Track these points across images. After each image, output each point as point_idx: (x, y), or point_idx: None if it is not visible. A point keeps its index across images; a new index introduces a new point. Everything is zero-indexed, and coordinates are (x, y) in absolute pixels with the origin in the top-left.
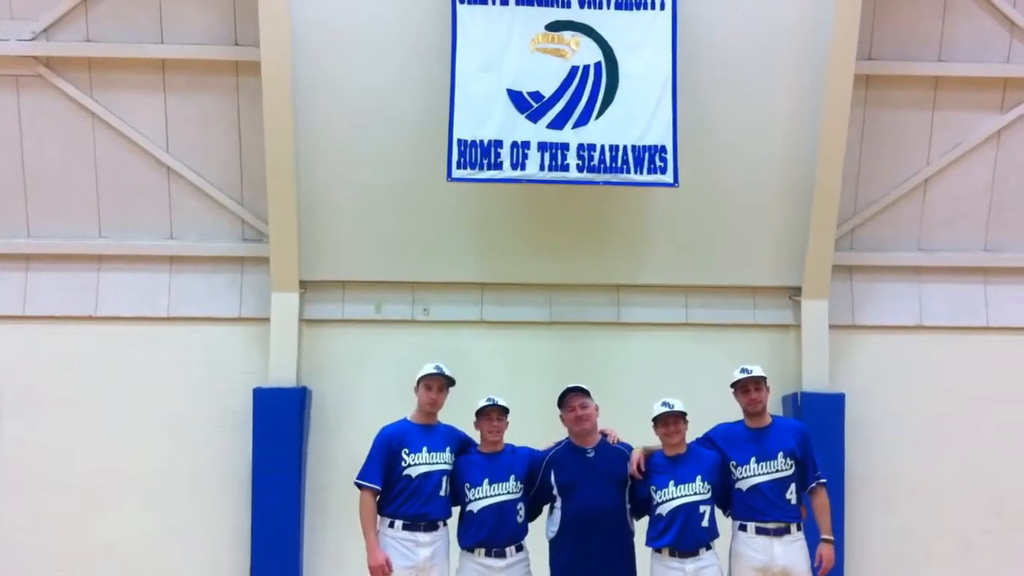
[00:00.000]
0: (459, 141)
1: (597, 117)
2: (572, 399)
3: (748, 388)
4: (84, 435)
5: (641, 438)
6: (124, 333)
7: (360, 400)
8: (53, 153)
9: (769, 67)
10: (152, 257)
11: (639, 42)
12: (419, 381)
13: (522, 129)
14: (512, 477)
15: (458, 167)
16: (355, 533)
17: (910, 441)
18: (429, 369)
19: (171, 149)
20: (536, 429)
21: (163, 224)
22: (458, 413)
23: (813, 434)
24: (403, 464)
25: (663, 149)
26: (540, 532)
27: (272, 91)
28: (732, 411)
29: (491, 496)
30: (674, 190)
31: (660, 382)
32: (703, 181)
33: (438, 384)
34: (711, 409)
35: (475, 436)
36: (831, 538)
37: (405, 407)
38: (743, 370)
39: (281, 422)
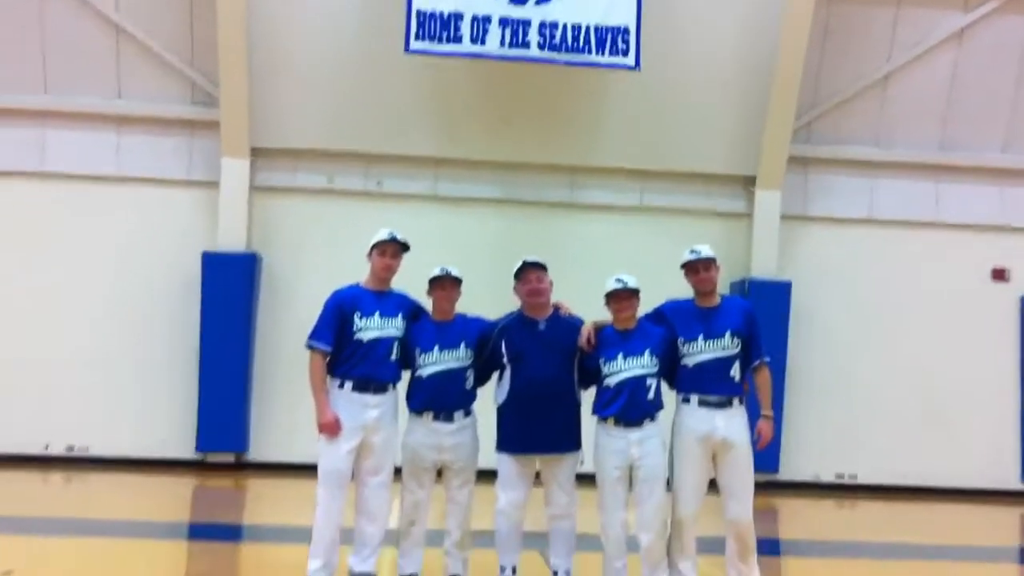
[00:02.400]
0: (418, 12)
1: None
2: (529, 272)
3: (697, 269)
4: (29, 290)
5: (591, 317)
6: (71, 189)
7: (310, 269)
8: None
9: None
10: (99, 116)
11: None
12: (373, 248)
13: (484, 2)
14: (463, 344)
15: (416, 39)
16: (304, 398)
17: (852, 330)
18: (383, 235)
19: (120, 7)
20: (485, 305)
21: (111, 84)
22: (408, 286)
23: (759, 320)
24: (355, 328)
25: (626, 31)
26: (489, 398)
27: None
28: (683, 293)
29: (441, 363)
30: (634, 74)
31: (612, 263)
32: (663, 66)
33: (392, 250)
34: (662, 291)
35: (428, 306)
36: (771, 414)
37: (355, 277)
38: (692, 251)
39: (230, 287)
